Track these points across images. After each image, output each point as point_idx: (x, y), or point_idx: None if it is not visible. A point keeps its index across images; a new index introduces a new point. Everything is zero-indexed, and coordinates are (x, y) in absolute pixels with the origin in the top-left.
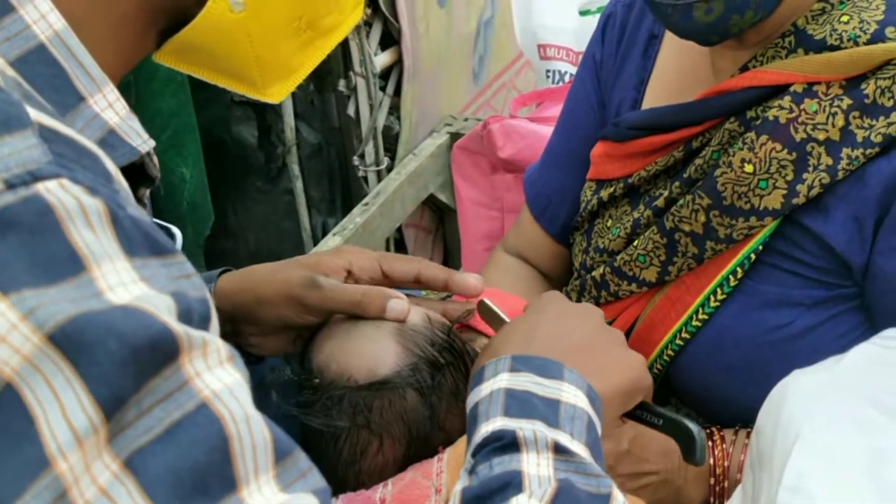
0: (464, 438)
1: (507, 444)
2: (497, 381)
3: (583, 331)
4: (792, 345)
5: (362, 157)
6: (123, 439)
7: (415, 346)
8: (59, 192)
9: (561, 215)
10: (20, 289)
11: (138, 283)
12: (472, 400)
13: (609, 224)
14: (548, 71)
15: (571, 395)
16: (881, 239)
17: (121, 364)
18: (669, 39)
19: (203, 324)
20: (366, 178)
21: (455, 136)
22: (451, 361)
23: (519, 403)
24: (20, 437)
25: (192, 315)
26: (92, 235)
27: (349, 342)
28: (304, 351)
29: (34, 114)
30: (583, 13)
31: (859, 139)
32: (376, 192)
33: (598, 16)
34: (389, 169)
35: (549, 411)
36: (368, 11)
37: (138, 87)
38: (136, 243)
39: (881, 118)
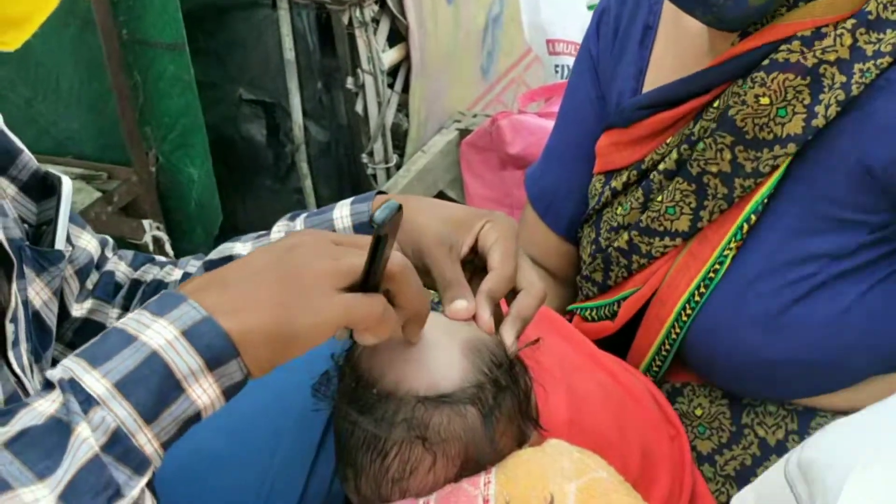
0: (513, 454)
1: None
2: None
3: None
4: (815, 296)
5: (371, 154)
6: None
7: (483, 362)
8: None
9: (566, 212)
10: None
11: None
12: None
13: (619, 210)
14: (556, 66)
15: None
16: None
17: None
18: (664, 29)
19: None
20: (375, 176)
21: (464, 133)
22: (509, 385)
23: None
24: None
25: None
26: None
27: (412, 349)
28: (350, 351)
29: None
30: (591, 8)
31: (869, 53)
32: (385, 189)
33: None
34: (398, 166)
35: None
36: (376, 8)
37: (146, 87)
38: None
39: (888, 31)
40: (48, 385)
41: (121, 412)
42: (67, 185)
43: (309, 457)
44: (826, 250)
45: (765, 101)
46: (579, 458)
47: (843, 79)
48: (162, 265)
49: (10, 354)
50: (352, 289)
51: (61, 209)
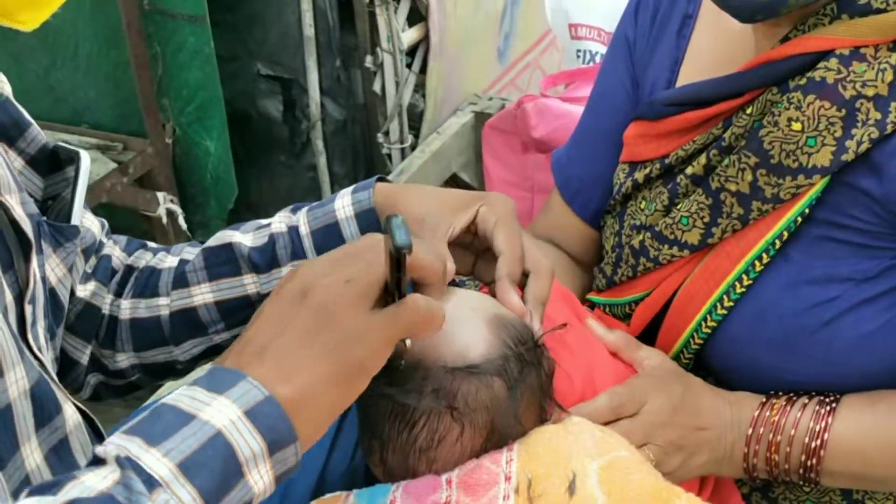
0: (535, 431)
1: None
2: None
3: None
4: (838, 321)
5: (387, 134)
6: None
7: (508, 336)
8: None
9: (593, 198)
10: None
11: None
12: None
13: (643, 206)
14: (578, 51)
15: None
16: None
17: None
18: (704, 19)
19: None
20: (389, 156)
21: (479, 115)
22: (533, 362)
23: None
24: None
25: None
26: None
27: None
28: None
29: None
30: None
31: None
32: (400, 169)
33: None
34: (413, 147)
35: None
36: None
37: (165, 59)
38: None
39: None
40: (97, 461)
41: (185, 496)
42: (86, 159)
43: (331, 429)
44: (849, 274)
45: (797, 126)
46: (601, 437)
47: (878, 116)
48: (155, 251)
49: (30, 336)
50: (379, 299)
51: (79, 183)
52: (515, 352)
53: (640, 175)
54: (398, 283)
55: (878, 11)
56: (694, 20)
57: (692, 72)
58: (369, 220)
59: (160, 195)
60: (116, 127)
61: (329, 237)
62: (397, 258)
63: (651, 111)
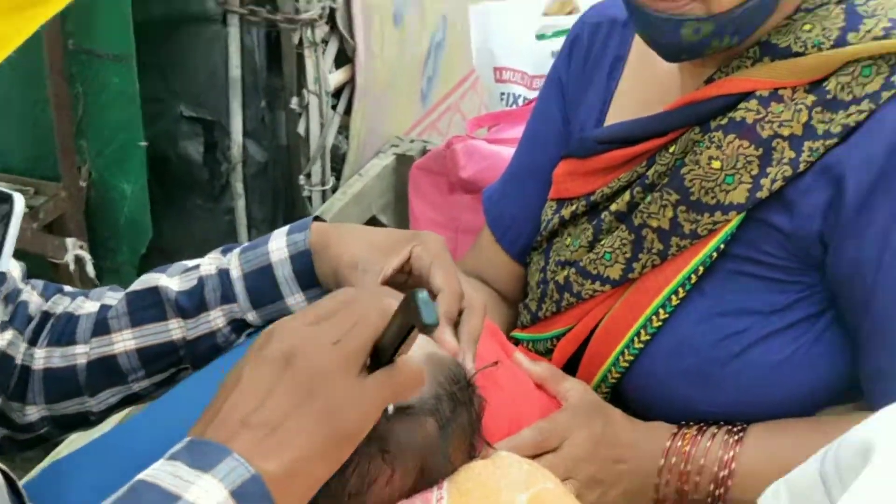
0: (464, 468)
1: None
2: None
3: None
4: (747, 352)
5: (308, 176)
6: None
7: (442, 375)
8: None
9: (523, 236)
10: None
11: None
12: None
13: (568, 242)
14: (502, 93)
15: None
16: (842, 224)
17: None
18: (633, 61)
19: None
20: (310, 198)
21: (401, 158)
22: (465, 401)
23: None
24: None
25: None
26: None
27: None
28: None
29: None
30: (539, 37)
31: (820, 132)
32: (320, 212)
33: (553, 40)
34: (334, 189)
35: None
36: (326, 29)
37: (87, 99)
38: None
39: (840, 112)
40: None
41: None
42: (20, 202)
43: None
44: (759, 307)
45: (716, 164)
46: (529, 470)
47: (792, 154)
48: (73, 296)
49: None
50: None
51: (10, 227)
52: (448, 391)
53: (566, 212)
54: (395, 350)
55: (797, 55)
56: (624, 62)
57: (621, 111)
58: (304, 262)
59: (69, 241)
60: (29, 169)
61: (262, 280)
62: (408, 329)
63: (581, 148)
